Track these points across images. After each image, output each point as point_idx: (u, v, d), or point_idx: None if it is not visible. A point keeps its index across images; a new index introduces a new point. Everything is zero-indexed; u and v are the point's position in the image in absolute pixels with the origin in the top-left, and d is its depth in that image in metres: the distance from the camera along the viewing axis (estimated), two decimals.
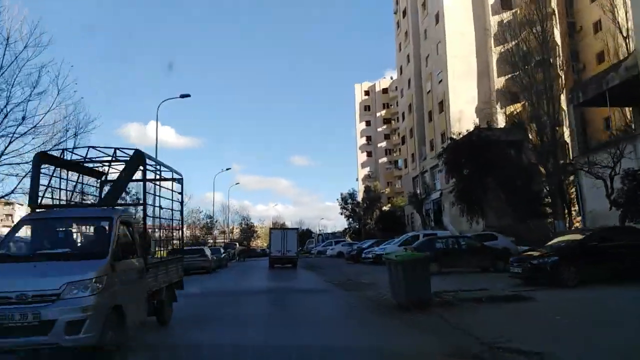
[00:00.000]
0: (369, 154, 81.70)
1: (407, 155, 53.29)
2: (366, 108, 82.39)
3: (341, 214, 71.72)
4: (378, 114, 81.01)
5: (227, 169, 51.67)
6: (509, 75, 38.71)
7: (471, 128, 32.93)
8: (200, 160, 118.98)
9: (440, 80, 42.28)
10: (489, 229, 29.18)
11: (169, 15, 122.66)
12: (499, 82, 40.13)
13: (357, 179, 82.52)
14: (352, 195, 71.36)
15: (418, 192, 45.30)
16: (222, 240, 62.83)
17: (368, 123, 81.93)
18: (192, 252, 22.75)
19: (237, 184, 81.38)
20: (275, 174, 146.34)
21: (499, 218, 32.84)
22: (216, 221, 65.19)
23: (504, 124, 38.48)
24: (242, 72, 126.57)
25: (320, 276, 18.97)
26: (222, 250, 30.30)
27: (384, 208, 66.82)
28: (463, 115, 39.73)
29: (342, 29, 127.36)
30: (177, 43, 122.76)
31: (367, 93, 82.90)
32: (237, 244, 52.57)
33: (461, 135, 31.46)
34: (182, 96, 22.37)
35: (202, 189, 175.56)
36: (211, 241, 64.84)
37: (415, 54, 49.10)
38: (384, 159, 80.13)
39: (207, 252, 23.43)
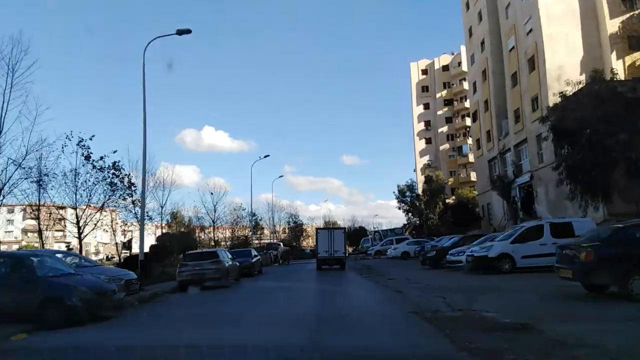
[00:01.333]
0: (428, 141, 72.39)
1: (479, 134, 44.02)
2: (424, 89, 73.08)
3: (399, 208, 63.07)
4: (438, 95, 71.55)
5: (266, 156, 44.34)
6: (630, 14, 29.06)
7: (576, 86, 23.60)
8: (253, 162, 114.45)
9: (530, 30, 32.96)
10: (614, 218, 20.23)
11: (209, 14, 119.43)
12: (611, 25, 30.29)
13: (414, 170, 73.47)
14: (410, 187, 62.68)
15: (499, 174, 36.12)
16: (269, 240, 56.72)
17: (426, 106, 72.58)
18: (200, 257, 15.87)
19: (280, 176, 75.22)
20: (327, 174, 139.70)
21: (628, 203, 23.57)
22: (261, 219, 59.07)
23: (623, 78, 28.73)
24: (287, 68, 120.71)
25: (392, 296, 11.27)
26: (254, 253, 23.26)
27: (448, 200, 57.71)
28: (563, 71, 30.25)
29: (390, 10, 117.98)
30: (221, 43, 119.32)
31: (424, 72, 73.54)
32: (281, 244, 45.65)
33: (581, 84, 22.45)
34: (179, 32, 15.54)
35: (256, 191, 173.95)
36: (256, 241, 59.00)
37: (489, 7, 39.96)
38: (446, 146, 70.59)
39: (224, 257, 16.41)
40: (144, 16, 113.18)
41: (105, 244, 69.98)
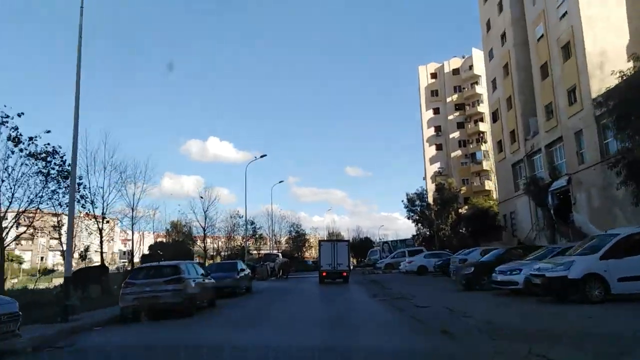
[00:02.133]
0: (439, 147, 67.92)
1: (501, 135, 39.61)
2: (433, 93, 68.89)
3: (408, 218, 58.59)
4: (448, 99, 67.40)
5: (262, 156, 39.82)
6: None
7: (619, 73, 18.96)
8: (257, 173, 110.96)
9: (564, 14, 28.75)
10: None
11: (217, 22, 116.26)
12: None
13: (424, 178, 68.96)
14: (420, 195, 58.26)
15: (532, 177, 31.52)
16: (268, 251, 52.26)
17: (436, 111, 68.35)
18: (153, 273, 11.41)
19: (281, 181, 70.31)
20: (330, 185, 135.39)
21: None
22: (260, 227, 54.61)
23: None
24: (290, 78, 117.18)
25: (446, 351, 6.74)
26: (241, 267, 18.71)
27: (461, 210, 53.15)
28: (607, 58, 26.01)
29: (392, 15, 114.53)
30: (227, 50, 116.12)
31: (434, 76, 69.44)
32: (279, 254, 41.05)
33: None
34: None
35: (259, 202, 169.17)
36: (255, 252, 54.67)
37: None
38: (458, 152, 66.13)
39: (189, 272, 11.92)
40: (147, 23, 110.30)
41: (103, 252, 65.65)
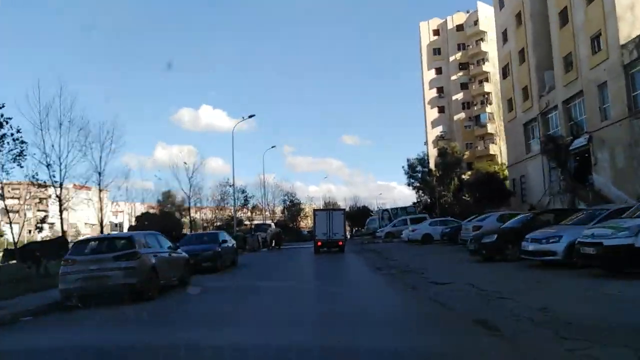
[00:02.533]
0: (441, 110, 64.82)
1: (512, 92, 36.69)
2: (436, 52, 65.13)
3: (409, 184, 56.51)
4: (452, 58, 63.74)
5: (251, 116, 36.46)
6: None
7: None
8: (251, 143, 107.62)
9: None
10: None
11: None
12: None
13: (425, 143, 66.18)
14: (421, 161, 55.86)
15: (550, 135, 28.85)
16: (261, 221, 50.11)
17: (439, 70, 64.81)
18: (101, 247, 9.06)
19: (273, 147, 67.60)
20: (327, 154, 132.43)
21: None
22: (252, 197, 52.23)
23: None
24: (287, 43, 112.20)
25: None
26: (224, 237, 16.35)
27: (464, 176, 50.77)
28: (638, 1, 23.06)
29: None
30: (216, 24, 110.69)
31: (436, 32, 65.50)
32: (272, 224, 38.87)
33: None
34: None
35: (253, 171, 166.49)
36: (247, 223, 52.61)
37: None
38: (461, 115, 63.10)
39: (150, 245, 9.55)
40: (144, 18, 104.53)
41: (93, 225, 63.69)
